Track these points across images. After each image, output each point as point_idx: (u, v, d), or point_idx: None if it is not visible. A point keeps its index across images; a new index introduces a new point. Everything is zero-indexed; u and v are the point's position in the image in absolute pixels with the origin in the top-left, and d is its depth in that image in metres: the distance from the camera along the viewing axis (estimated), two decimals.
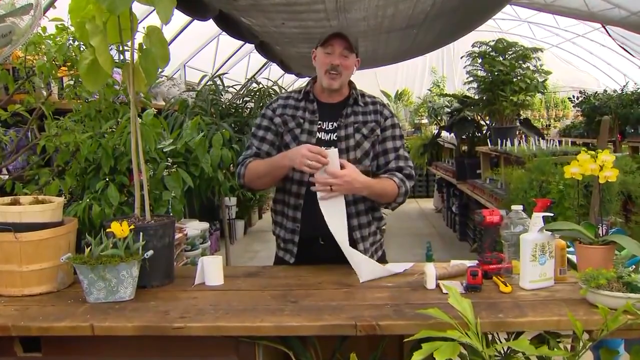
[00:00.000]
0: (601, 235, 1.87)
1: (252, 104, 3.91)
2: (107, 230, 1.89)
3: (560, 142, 5.18)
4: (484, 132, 7.00)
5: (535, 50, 5.83)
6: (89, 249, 1.87)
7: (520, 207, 2.04)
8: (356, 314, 1.70)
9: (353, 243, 2.22)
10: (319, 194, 2.11)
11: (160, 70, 2.30)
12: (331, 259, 2.25)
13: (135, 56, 2.10)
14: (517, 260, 2.03)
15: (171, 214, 2.48)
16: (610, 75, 13.70)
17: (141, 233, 1.95)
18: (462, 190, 6.84)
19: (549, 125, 11.05)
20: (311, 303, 1.83)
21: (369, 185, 2.16)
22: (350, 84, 2.36)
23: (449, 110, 9.68)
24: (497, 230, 2.08)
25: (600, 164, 1.81)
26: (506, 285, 1.88)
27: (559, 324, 1.62)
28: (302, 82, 9.80)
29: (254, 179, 2.29)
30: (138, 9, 2.19)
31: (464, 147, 7.55)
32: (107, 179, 2.37)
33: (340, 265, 2.23)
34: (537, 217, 1.93)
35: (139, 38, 2.13)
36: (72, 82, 2.67)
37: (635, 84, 7.60)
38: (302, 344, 1.83)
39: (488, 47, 5.99)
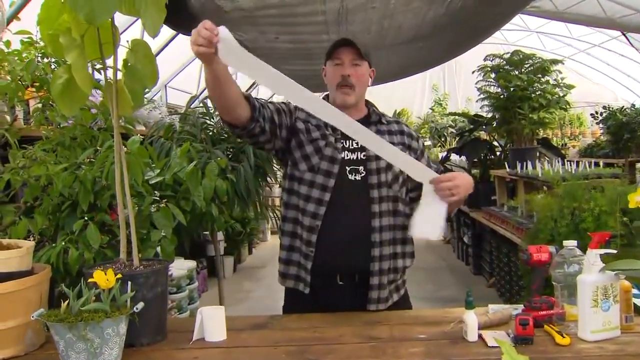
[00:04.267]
0: None
1: None
2: (89, 280, 1.73)
3: (582, 164, 5.07)
4: (498, 154, 6.90)
5: (555, 62, 5.76)
6: (66, 303, 1.71)
7: (574, 243, 1.91)
8: None
9: (368, 275, 2.16)
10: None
11: (147, 90, 2.17)
12: (350, 303, 2.17)
13: (119, 74, 1.98)
14: (571, 304, 1.89)
15: (160, 257, 2.33)
16: (630, 88, 13.71)
17: (129, 282, 1.79)
18: (475, 219, 6.72)
19: (565, 144, 11.00)
20: None
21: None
22: (368, 102, 2.32)
23: (453, 130, 9.63)
24: (546, 270, 1.94)
25: None
26: (563, 337, 1.74)
27: None
28: None
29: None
30: (118, 20, 2.07)
31: (476, 171, 7.45)
32: (86, 218, 2.21)
33: (360, 313, 2.14)
34: (594, 254, 1.79)
35: (122, 53, 2.01)
36: (40, 105, 2.52)
37: None
38: None
39: (502, 61, 5.93)
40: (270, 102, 2.20)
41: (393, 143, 2.20)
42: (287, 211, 2.26)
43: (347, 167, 2.17)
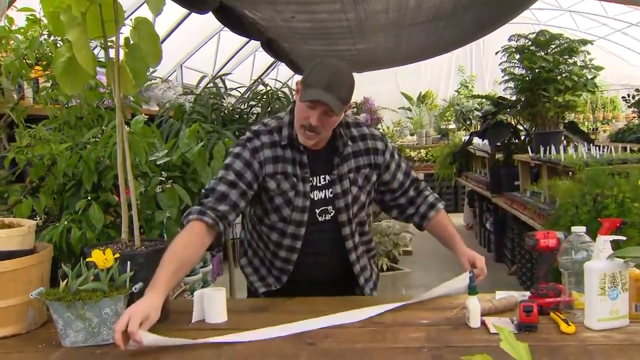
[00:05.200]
0: None
1: (258, 109, 3.80)
2: (88, 259, 1.77)
3: (606, 148, 4.99)
4: (522, 138, 6.83)
5: (584, 42, 5.65)
6: (65, 282, 1.75)
7: (583, 229, 1.89)
8: None
9: (360, 288, 2.31)
10: None
11: (152, 70, 2.19)
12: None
13: (122, 53, 2.00)
14: (579, 292, 1.88)
15: (165, 238, 2.37)
16: None
17: (128, 262, 1.83)
18: (497, 204, 6.68)
19: (596, 129, 10.79)
20: (332, 345, 1.70)
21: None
22: None
23: (479, 113, 9.56)
24: (553, 257, 1.93)
25: None
26: (568, 324, 1.73)
27: None
28: None
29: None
30: (125, 2, 2.09)
31: (499, 156, 7.38)
32: (90, 198, 2.25)
33: (366, 298, 2.24)
34: (604, 241, 1.78)
35: (125, 32, 2.03)
36: (48, 84, 2.57)
37: None
38: None
39: (527, 41, 5.83)
40: (235, 187, 2.06)
41: (359, 166, 2.20)
42: (256, 248, 2.35)
43: (316, 210, 2.17)
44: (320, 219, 2.18)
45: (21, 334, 1.85)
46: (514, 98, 6.39)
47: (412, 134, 13.17)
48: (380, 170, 2.25)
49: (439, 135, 12.38)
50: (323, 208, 2.17)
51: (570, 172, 4.53)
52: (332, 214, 2.18)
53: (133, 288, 1.78)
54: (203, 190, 2.11)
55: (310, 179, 2.15)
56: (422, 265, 6.98)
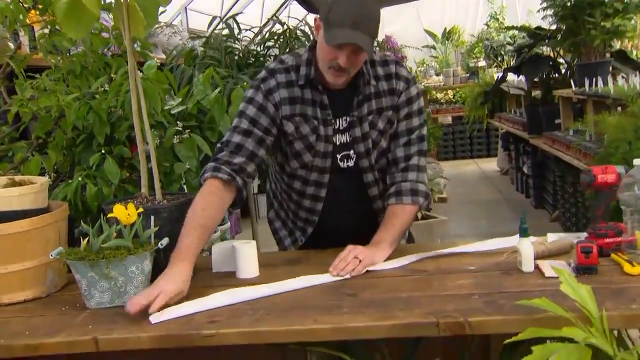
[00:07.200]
0: None
1: (276, 50, 3.76)
2: (109, 215, 1.78)
3: None
4: (563, 72, 6.69)
5: None
6: (86, 240, 1.76)
7: None
8: (436, 309, 1.57)
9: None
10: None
11: (162, 9, 2.16)
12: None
13: None
14: None
15: (186, 191, 2.38)
16: None
17: (152, 217, 1.84)
18: (536, 146, 6.62)
19: None
20: (375, 296, 1.71)
21: (389, 243, 2.04)
22: None
23: (511, 47, 9.38)
24: (613, 193, 1.91)
25: None
26: (633, 265, 1.72)
27: None
28: None
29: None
30: None
31: (536, 93, 7.27)
32: (103, 151, 2.26)
33: (406, 246, 2.23)
34: None
35: None
36: (46, 31, 2.54)
37: None
38: (365, 348, 1.74)
39: None
40: (250, 135, 2.05)
41: (380, 108, 2.14)
42: (281, 200, 2.38)
43: (337, 155, 2.16)
44: (342, 164, 2.17)
45: (41, 297, 1.88)
46: (553, 28, 6.23)
47: (437, 74, 12.99)
48: (397, 112, 2.18)
49: (468, 74, 12.20)
50: (344, 153, 2.16)
51: (620, 106, 4.45)
52: (353, 158, 2.17)
53: (159, 244, 1.79)
54: (218, 145, 2.10)
55: (334, 121, 2.13)
56: (457, 212, 7.00)
